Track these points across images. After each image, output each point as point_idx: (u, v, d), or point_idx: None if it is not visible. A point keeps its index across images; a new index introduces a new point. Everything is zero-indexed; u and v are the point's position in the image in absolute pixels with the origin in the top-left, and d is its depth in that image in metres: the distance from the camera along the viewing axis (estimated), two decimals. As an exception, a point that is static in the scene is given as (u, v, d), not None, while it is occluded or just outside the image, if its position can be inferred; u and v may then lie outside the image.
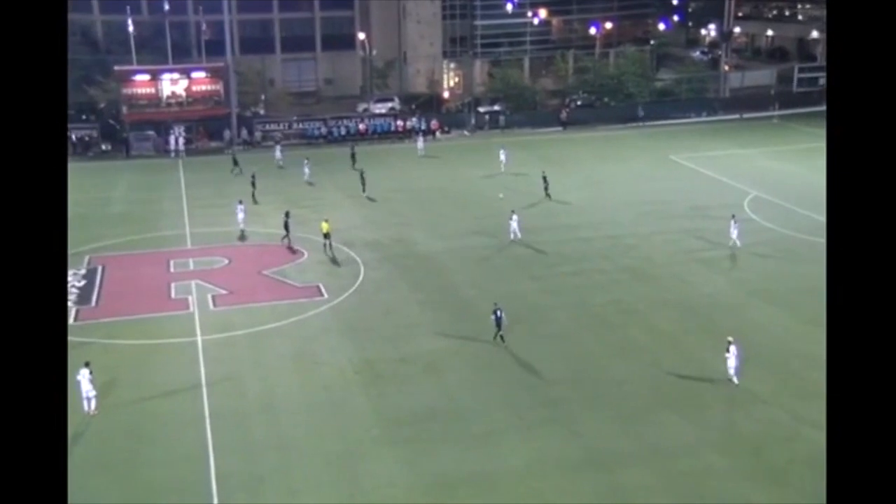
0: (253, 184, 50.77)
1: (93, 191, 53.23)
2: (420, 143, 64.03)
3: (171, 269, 39.96)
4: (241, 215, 44.52)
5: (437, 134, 70.16)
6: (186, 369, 29.71)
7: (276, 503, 22.24)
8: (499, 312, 31.05)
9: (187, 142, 64.88)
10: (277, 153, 60.35)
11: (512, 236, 41.54)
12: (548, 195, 48.95)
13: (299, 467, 23.79)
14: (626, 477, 23.15)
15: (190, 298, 36.26)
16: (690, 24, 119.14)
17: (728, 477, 23.05)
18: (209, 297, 36.46)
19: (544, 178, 49.50)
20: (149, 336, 32.48)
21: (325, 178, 55.32)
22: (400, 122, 70.18)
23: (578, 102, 76.53)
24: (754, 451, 24.20)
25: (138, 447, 24.91)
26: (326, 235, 41.05)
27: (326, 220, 41.66)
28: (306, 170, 55.06)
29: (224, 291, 37.05)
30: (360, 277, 38.52)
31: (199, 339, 32.24)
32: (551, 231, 44.67)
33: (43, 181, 13.14)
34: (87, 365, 26.48)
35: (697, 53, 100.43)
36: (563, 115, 72.90)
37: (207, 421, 26.17)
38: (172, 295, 36.81)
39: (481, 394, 27.86)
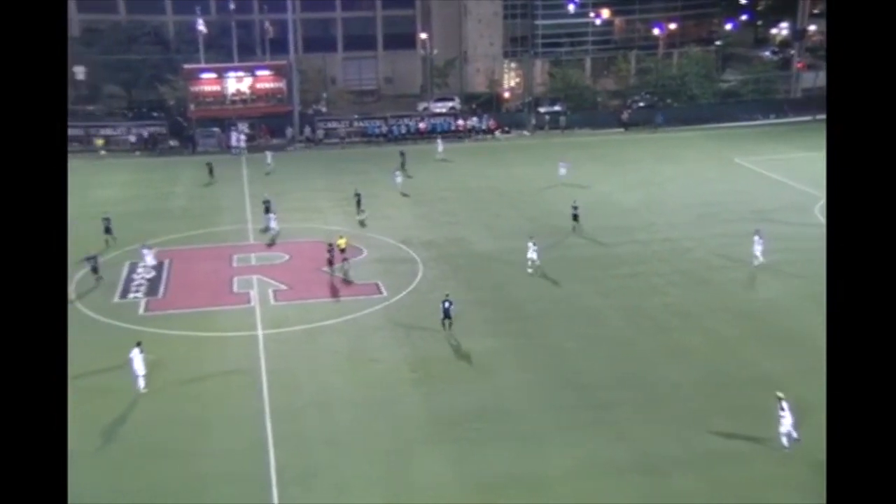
0: (358, 202, 48.60)
1: (160, 186, 54.78)
2: (440, 145, 63.15)
3: (234, 264, 40.99)
4: (272, 223, 44.76)
5: (497, 133, 70.33)
6: (247, 363, 30.50)
7: (328, 498, 22.71)
8: (447, 304, 31.87)
9: (249, 139, 66.25)
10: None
11: (529, 264, 38.58)
12: (576, 222, 44.28)
13: (351, 463, 24.29)
14: (675, 483, 23.10)
15: (251, 293, 37.18)
16: (760, 22, 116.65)
17: (782, 488, 22.82)
18: (270, 292, 37.32)
19: (574, 208, 44.66)
20: (212, 329, 33.42)
21: (383, 176, 55.91)
22: (460, 122, 70.55)
23: (640, 103, 75.87)
24: (811, 462, 23.84)
25: (198, 437, 25.70)
26: (343, 251, 39.37)
27: (342, 237, 40.31)
28: (398, 179, 53.95)
29: (284, 287, 37.88)
30: (419, 276, 38.98)
31: (259, 333, 33.06)
32: (607, 233, 44.51)
33: (43, 181, 13.06)
34: (139, 345, 28.09)
35: (767, 53, 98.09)
36: (625, 115, 72.37)
37: (267, 414, 26.86)
38: (235, 289, 37.77)
39: (532, 394, 28.04)
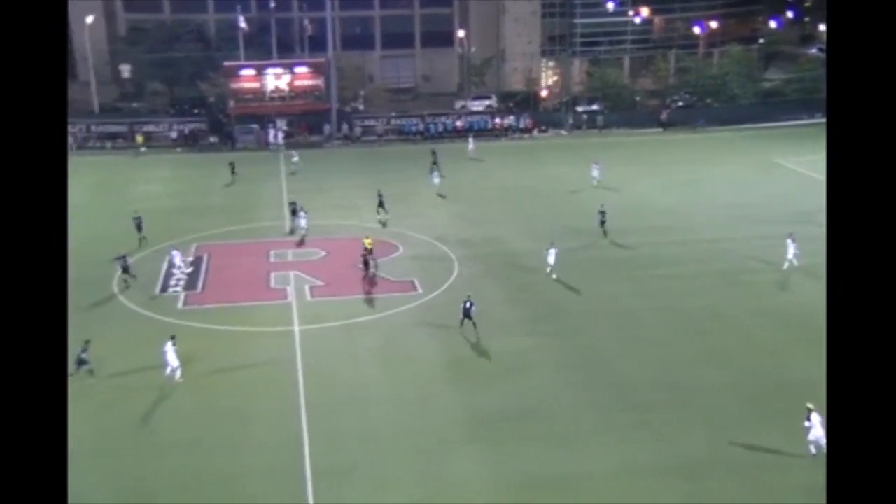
0: (380, 203, 47.63)
1: (199, 181, 55.36)
2: (471, 144, 62.49)
3: (271, 260, 41.32)
4: (302, 221, 44.43)
5: (535, 132, 70.11)
6: (284, 358, 30.72)
7: (363, 494, 22.80)
8: (468, 304, 31.65)
9: (287, 135, 66.76)
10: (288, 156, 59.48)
11: (548, 269, 37.89)
12: (604, 231, 43.24)
13: (387, 460, 24.34)
14: (713, 488, 22.84)
15: (288, 289, 37.45)
16: (807, 19, 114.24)
17: (821, 496, 22.41)
18: (307, 287, 37.56)
19: (601, 213, 43.59)
20: (249, 323, 33.71)
21: (419, 174, 55.99)
22: (496, 120, 70.42)
23: (679, 103, 75.13)
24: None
25: (235, 431, 25.90)
26: (369, 251, 38.86)
27: (368, 236, 39.85)
28: (436, 180, 53.34)
29: (321, 283, 38.10)
30: (454, 274, 38.98)
31: (296, 328, 33.29)
32: (645, 233, 44.15)
33: (43, 181, 12.90)
34: (172, 338, 28.82)
35: (814, 50, 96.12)
36: (663, 115, 71.73)
37: (303, 410, 27.03)
38: (272, 284, 38.06)
39: (568, 395, 27.90)
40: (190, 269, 39.64)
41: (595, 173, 53.02)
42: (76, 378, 27.44)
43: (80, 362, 28.11)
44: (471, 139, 63.58)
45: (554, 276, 37.35)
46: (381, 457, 24.49)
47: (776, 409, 26.74)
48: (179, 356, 28.64)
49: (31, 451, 11.77)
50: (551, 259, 37.55)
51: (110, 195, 52.95)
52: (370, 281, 37.92)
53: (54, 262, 13.16)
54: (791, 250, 37.96)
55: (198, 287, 37.95)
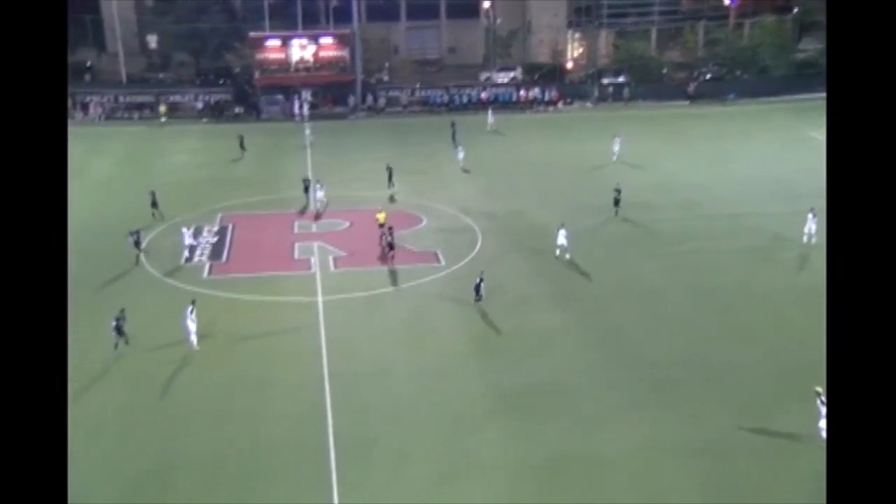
0: (389, 176, 46.89)
1: (225, 152, 55.34)
2: (490, 117, 61.72)
3: (295, 230, 41.36)
4: (319, 193, 44.07)
5: (560, 105, 69.41)
6: (307, 329, 30.78)
7: (387, 467, 22.83)
8: (480, 281, 31.72)
9: (312, 106, 66.59)
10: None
11: (558, 252, 36.62)
12: (616, 211, 41.88)
13: (411, 433, 24.33)
14: (739, 467, 22.63)
15: (312, 259, 37.49)
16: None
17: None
18: (330, 258, 37.56)
19: (616, 192, 42.05)
20: (273, 293, 33.80)
21: (444, 146, 55.66)
22: (522, 92, 69.78)
23: (708, 76, 73.95)
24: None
25: (258, 401, 26.02)
26: (382, 226, 38.29)
27: (382, 211, 39.61)
28: (460, 155, 51.99)
29: (345, 254, 38.09)
30: (478, 246, 38.80)
31: (319, 299, 33.32)
32: (672, 209, 43.67)
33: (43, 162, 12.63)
34: (193, 303, 29.17)
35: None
36: (691, 88, 70.69)
37: (326, 381, 27.09)
38: (296, 255, 38.09)
39: (593, 372, 27.73)
40: (215, 239, 39.81)
41: (616, 148, 52.06)
42: (115, 348, 28.20)
43: (119, 331, 28.42)
44: (490, 112, 62.96)
45: (567, 257, 36.45)
46: (403, 430, 24.49)
47: (802, 389, 26.29)
48: (199, 325, 28.80)
49: (31, 447, 11.49)
50: (562, 240, 36.48)
51: (137, 166, 53.16)
52: (387, 257, 37.40)
53: (54, 256, 12.78)
54: (811, 225, 37.34)
55: (223, 257, 38.09)
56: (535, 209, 44.12)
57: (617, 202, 41.85)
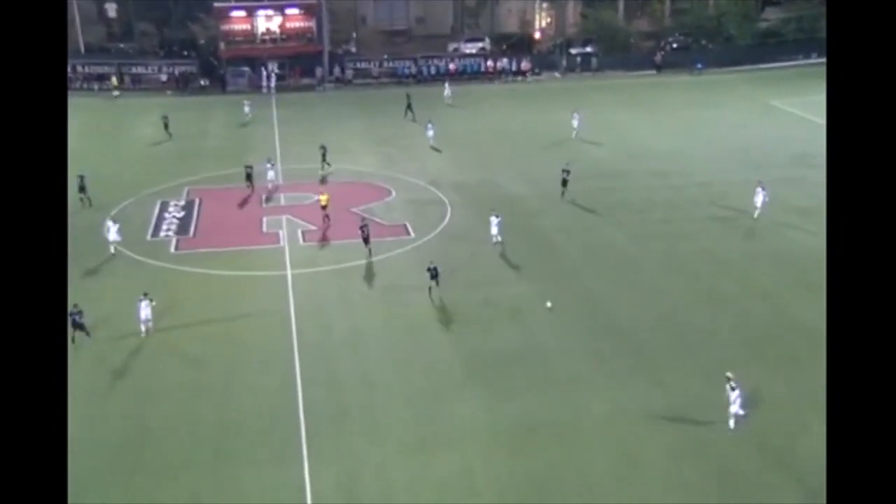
0: (323, 156, 45.07)
1: (190, 125, 54.49)
2: (447, 90, 60.65)
3: (263, 204, 40.91)
4: (270, 173, 42.32)
5: (528, 75, 69.18)
6: (277, 302, 30.55)
7: (360, 437, 22.80)
8: (433, 270, 30.05)
9: (279, 78, 65.75)
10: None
11: (493, 240, 34.78)
12: (564, 190, 40.12)
13: (382, 403, 24.32)
14: (710, 430, 22.89)
15: (280, 233, 37.13)
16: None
17: (822, 437, 22.56)
18: (299, 232, 37.24)
19: (565, 172, 40.23)
20: (241, 268, 33.46)
21: (396, 117, 55.35)
22: (490, 63, 69.42)
23: (674, 45, 74.06)
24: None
25: (230, 375, 25.85)
26: (324, 208, 37.44)
27: (324, 194, 38.40)
28: (430, 132, 49.70)
29: (313, 227, 37.76)
30: (447, 218, 38.67)
31: (288, 273, 33.06)
32: (640, 178, 43.81)
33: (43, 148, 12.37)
34: (146, 295, 27.87)
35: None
36: (658, 58, 70.78)
37: (296, 354, 26.95)
38: (264, 229, 37.72)
39: (565, 340, 27.85)
40: (182, 214, 39.27)
41: (575, 123, 50.70)
42: (73, 342, 26.43)
43: (76, 325, 26.67)
44: (447, 84, 62.03)
45: (500, 240, 34.60)
46: (376, 399, 24.46)
47: (773, 352, 26.81)
48: (155, 311, 27.93)
49: (31, 446, 11.36)
50: (494, 229, 34.61)
51: (100, 139, 52.20)
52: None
53: (54, 249, 12.58)
54: (758, 198, 37.26)
55: (190, 231, 37.60)
56: (504, 180, 44.03)
57: (565, 182, 40.04)
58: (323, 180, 43.64)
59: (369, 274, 33.07)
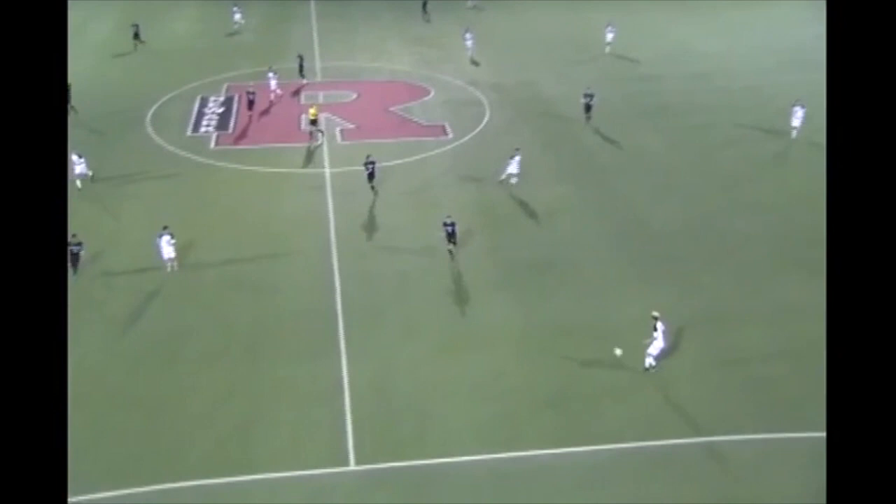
0: (300, 67, 43.58)
1: (228, 21, 53.99)
2: None
3: (302, 101, 40.84)
4: (273, 83, 40.77)
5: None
6: (315, 200, 30.84)
7: (394, 335, 23.27)
8: (450, 228, 26.52)
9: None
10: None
11: (503, 176, 31.54)
12: (588, 116, 37.20)
13: (416, 302, 24.72)
14: (741, 336, 23.08)
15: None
16: None
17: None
18: (338, 130, 37.26)
19: (587, 96, 37.25)
20: (280, 165, 33.73)
21: (450, 17, 54.15)
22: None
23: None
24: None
25: (269, 272, 26.34)
26: (314, 122, 35.88)
27: (314, 106, 37.05)
28: (469, 43, 47.48)
29: (352, 126, 37.75)
30: (485, 119, 38.38)
31: (326, 171, 33.27)
32: (681, 80, 42.88)
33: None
34: (165, 228, 26.02)
35: None
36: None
37: (334, 252, 27.34)
38: (303, 127, 37.77)
39: (599, 244, 27.93)
40: (222, 110, 39.44)
41: (609, 37, 47.75)
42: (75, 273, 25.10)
43: (74, 258, 24.86)
44: None
45: (513, 181, 31.35)
46: (410, 299, 24.87)
47: (807, 259, 26.61)
48: (177, 248, 26.20)
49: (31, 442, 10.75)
50: (513, 168, 31.28)
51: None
52: (402, 123, 36.40)
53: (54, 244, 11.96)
54: (798, 118, 35.45)
55: (229, 127, 37.82)
56: (544, 80, 43.35)
57: (588, 108, 37.24)
58: (296, 93, 41.81)
59: (407, 174, 33.15)
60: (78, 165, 30.84)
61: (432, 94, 41.57)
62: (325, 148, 35.43)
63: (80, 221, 26.86)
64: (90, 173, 31.32)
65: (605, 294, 25.08)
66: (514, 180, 31.27)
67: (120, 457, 18.73)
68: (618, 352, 21.49)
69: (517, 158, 31.26)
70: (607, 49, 47.47)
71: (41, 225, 11.53)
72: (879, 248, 12.09)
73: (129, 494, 17.74)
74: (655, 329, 21.42)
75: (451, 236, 26.58)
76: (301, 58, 43.30)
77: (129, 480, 18.03)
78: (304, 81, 43.00)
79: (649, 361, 21.59)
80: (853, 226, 12.36)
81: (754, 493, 17.92)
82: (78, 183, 30.75)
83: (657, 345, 21.49)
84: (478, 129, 37.20)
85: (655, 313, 21.67)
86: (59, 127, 12.77)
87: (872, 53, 12.61)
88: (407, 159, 34.32)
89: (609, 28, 47.64)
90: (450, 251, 26.68)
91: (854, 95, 12.65)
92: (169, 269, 26.13)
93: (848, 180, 12.64)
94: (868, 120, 12.51)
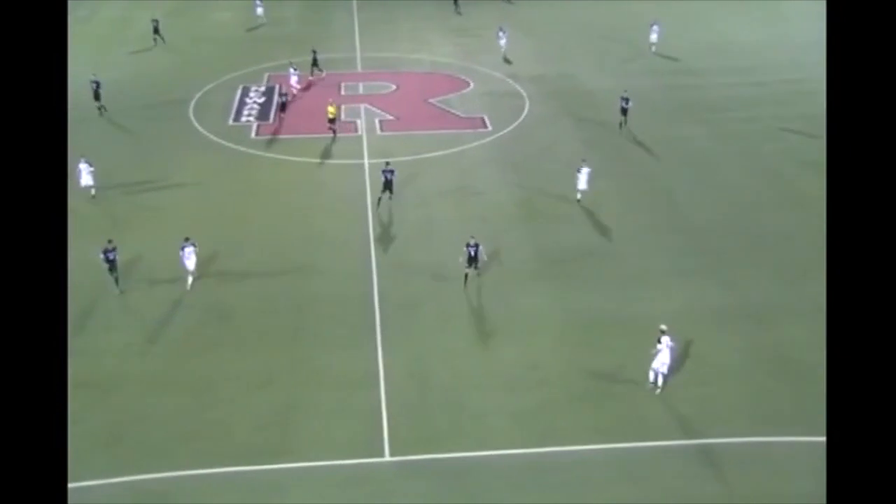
0: (314, 61, 43.06)
1: (272, 11, 54.40)
2: None
3: (342, 92, 41.05)
4: (293, 79, 40.41)
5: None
6: (353, 191, 31.02)
7: (430, 324, 23.39)
8: (472, 250, 24.72)
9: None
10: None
11: (579, 196, 29.65)
12: (624, 119, 35.68)
13: (453, 293, 24.78)
14: (780, 332, 22.86)
15: (358, 122, 37.38)
16: None
17: None
18: (377, 121, 37.42)
19: (624, 100, 35.51)
20: (320, 155, 33.98)
21: (489, 7, 54.02)
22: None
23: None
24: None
25: (307, 258, 26.55)
26: (332, 121, 35.34)
27: (332, 104, 36.07)
28: (502, 41, 45.97)
29: (391, 117, 37.88)
30: (525, 111, 38.29)
31: (365, 161, 33.44)
32: (724, 73, 42.37)
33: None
34: (187, 240, 24.90)
35: None
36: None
37: (371, 241, 27.50)
38: (342, 117, 37.96)
39: (638, 236, 27.77)
40: (262, 99, 39.81)
41: (653, 37, 45.97)
42: (116, 283, 24.65)
43: (110, 265, 24.31)
44: None
45: (578, 197, 29.68)
46: (446, 290, 24.92)
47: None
48: (199, 258, 25.24)
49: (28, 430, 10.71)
50: (582, 183, 29.43)
51: (183, 22, 52.61)
52: (441, 115, 36.63)
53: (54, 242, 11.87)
54: None
55: (269, 117, 38.16)
56: (584, 72, 43.10)
57: (624, 111, 35.60)
58: (307, 88, 41.56)
59: (446, 165, 33.21)
60: (87, 174, 29.42)
61: (472, 86, 41.54)
62: (363, 139, 35.59)
63: (118, 220, 27.18)
64: (93, 187, 29.67)
65: (644, 287, 24.95)
66: (578, 196, 29.58)
67: (159, 441, 19.09)
68: (663, 327, 20.73)
69: (586, 170, 29.27)
70: (653, 49, 46.01)
71: (41, 225, 11.61)
72: (879, 248, 11.89)
73: (168, 478, 18.08)
74: (659, 342, 20.48)
75: (472, 259, 24.62)
76: (314, 52, 43.01)
77: (170, 463, 18.37)
78: (323, 74, 42.75)
79: (652, 376, 20.76)
80: (853, 226, 12.15)
81: (807, 491, 17.63)
82: (92, 191, 29.74)
83: (661, 358, 20.49)
84: (517, 122, 37.12)
85: (663, 326, 20.81)
86: (58, 127, 12.85)
87: (872, 53, 12.41)
88: (445, 151, 34.37)
89: (654, 27, 46.30)
90: (466, 275, 24.77)
91: (854, 95, 12.47)
92: (189, 284, 24.75)
93: (848, 180, 12.42)
94: (868, 120, 12.32)
